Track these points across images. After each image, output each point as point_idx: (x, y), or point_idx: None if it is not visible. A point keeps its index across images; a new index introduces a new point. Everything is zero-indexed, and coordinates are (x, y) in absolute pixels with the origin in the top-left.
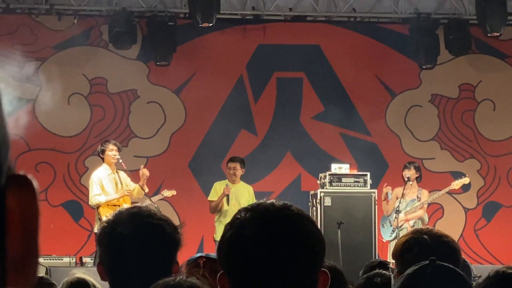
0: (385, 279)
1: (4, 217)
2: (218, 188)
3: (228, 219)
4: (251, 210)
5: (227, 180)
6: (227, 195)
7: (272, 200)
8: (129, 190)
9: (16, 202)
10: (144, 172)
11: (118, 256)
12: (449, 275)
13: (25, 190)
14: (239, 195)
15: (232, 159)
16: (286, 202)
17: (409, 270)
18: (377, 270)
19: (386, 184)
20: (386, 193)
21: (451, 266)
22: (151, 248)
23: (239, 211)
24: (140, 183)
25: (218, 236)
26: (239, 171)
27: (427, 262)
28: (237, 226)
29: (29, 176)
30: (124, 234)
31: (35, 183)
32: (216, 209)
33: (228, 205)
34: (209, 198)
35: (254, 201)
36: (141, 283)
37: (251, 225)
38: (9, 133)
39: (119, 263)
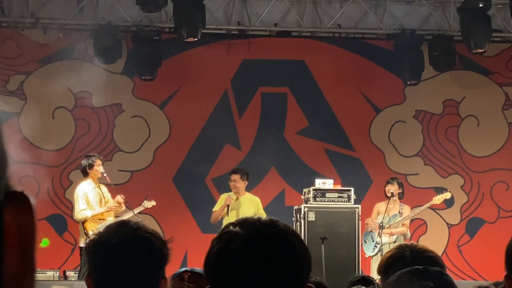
0: None
1: (1, 233)
2: (222, 199)
3: None
4: (237, 225)
5: (231, 193)
6: (228, 206)
7: (258, 216)
8: (116, 205)
9: (14, 219)
10: (118, 199)
11: (106, 267)
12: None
13: (23, 207)
14: (240, 208)
15: (234, 171)
16: (272, 218)
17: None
18: (359, 286)
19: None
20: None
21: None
22: (139, 260)
23: (227, 226)
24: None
25: None
26: (240, 184)
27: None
28: (223, 240)
29: (27, 193)
30: (112, 243)
31: (33, 200)
32: (216, 219)
33: (227, 215)
34: (213, 209)
35: (261, 211)
36: None
37: (237, 240)
38: (7, 150)
39: (106, 274)
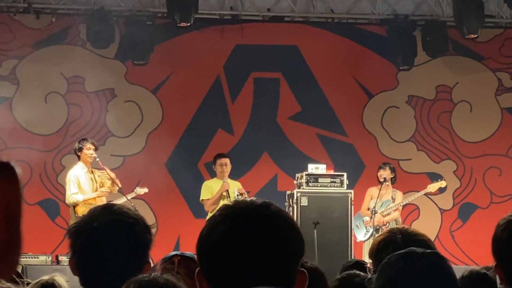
0: (360, 280)
1: None
2: (210, 186)
3: None
4: (228, 209)
5: (216, 178)
6: (227, 191)
7: (252, 198)
8: (108, 190)
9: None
10: (110, 174)
11: (87, 250)
12: (437, 263)
13: (8, 177)
14: (231, 191)
15: (222, 155)
16: (265, 201)
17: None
18: (354, 270)
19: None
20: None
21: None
22: (120, 244)
23: (219, 209)
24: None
25: None
26: (229, 167)
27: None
28: (212, 223)
29: (13, 163)
30: (93, 227)
31: (19, 170)
32: (213, 206)
33: (229, 200)
34: (202, 198)
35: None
36: (110, 279)
37: (225, 223)
38: None
39: (88, 257)
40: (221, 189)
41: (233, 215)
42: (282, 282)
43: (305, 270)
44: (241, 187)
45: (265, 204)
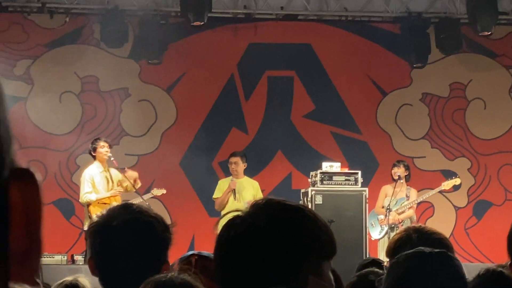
0: (377, 277)
1: (8, 210)
2: (222, 185)
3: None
4: (249, 207)
5: (231, 177)
6: (234, 190)
7: (284, 199)
8: (121, 190)
9: (19, 196)
10: (130, 174)
11: (107, 249)
12: (444, 262)
13: (28, 184)
14: (243, 190)
15: (233, 154)
16: (299, 204)
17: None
18: (372, 268)
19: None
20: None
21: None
22: (140, 243)
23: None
24: (128, 184)
25: None
26: (241, 166)
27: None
28: (229, 223)
29: (32, 169)
30: (113, 226)
31: (38, 177)
32: (222, 205)
33: (235, 199)
34: (214, 197)
35: (260, 195)
36: (129, 279)
37: (241, 222)
38: (11, 127)
39: (107, 257)
40: (228, 189)
41: (249, 213)
42: (295, 283)
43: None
44: (257, 186)
45: (283, 202)
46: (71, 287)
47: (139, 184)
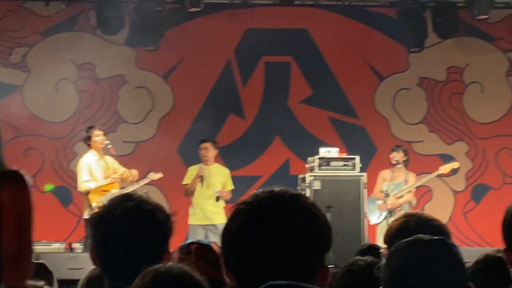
0: (364, 264)
1: None
2: (191, 172)
3: (198, 201)
4: (253, 196)
5: (201, 164)
6: (201, 177)
7: (281, 188)
8: (119, 176)
9: (9, 198)
10: (134, 174)
11: (109, 239)
12: (443, 248)
13: (18, 186)
14: (211, 177)
15: (203, 140)
16: (294, 193)
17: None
18: (369, 257)
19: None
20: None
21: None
22: (142, 232)
23: (249, 197)
24: (125, 171)
25: (191, 220)
26: (211, 152)
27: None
28: (235, 212)
29: (22, 171)
30: (115, 215)
31: (28, 179)
32: (189, 192)
33: (202, 186)
34: (183, 182)
35: (230, 183)
36: (131, 268)
37: (246, 213)
38: (0, 130)
39: (110, 247)
40: (196, 175)
41: (256, 205)
42: (303, 276)
43: (327, 265)
44: (228, 174)
45: (291, 196)
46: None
47: (135, 177)
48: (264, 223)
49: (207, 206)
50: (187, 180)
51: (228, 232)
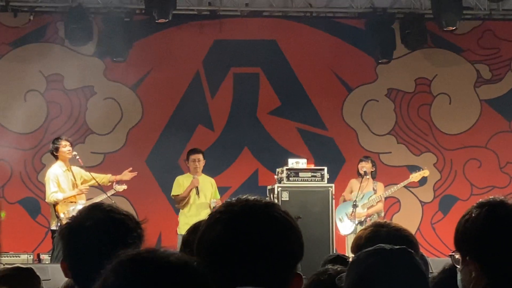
0: (333, 272)
1: None
2: (181, 182)
3: (195, 211)
4: (228, 206)
5: (188, 174)
6: (196, 187)
7: (255, 197)
8: (87, 188)
9: None
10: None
11: (80, 250)
12: (406, 261)
13: None
14: (204, 187)
15: (195, 150)
16: (269, 202)
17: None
18: (338, 266)
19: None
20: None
21: (408, 251)
22: (114, 242)
23: (222, 205)
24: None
25: (182, 229)
26: (202, 162)
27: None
28: (211, 221)
29: None
30: (85, 226)
31: None
32: (183, 202)
33: (198, 197)
34: (173, 193)
35: (217, 193)
36: None
37: (223, 222)
38: None
39: (81, 258)
40: (190, 185)
41: (232, 214)
42: (278, 284)
43: (301, 273)
44: (215, 183)
45: (266, 205)
46: None
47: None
48: (242, 232)
49: (203, 216)
50: (177, 190)
51: (205, 241)
